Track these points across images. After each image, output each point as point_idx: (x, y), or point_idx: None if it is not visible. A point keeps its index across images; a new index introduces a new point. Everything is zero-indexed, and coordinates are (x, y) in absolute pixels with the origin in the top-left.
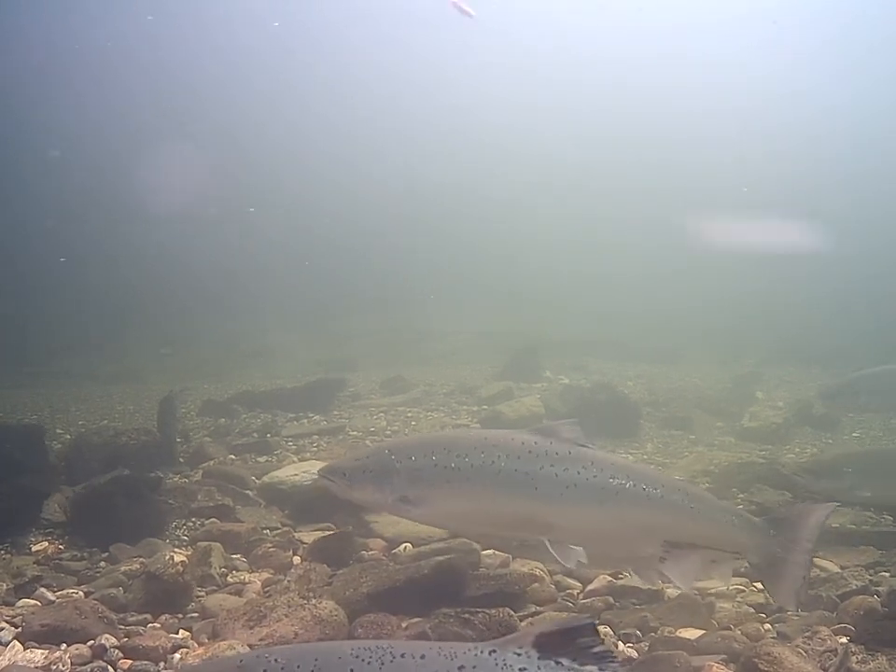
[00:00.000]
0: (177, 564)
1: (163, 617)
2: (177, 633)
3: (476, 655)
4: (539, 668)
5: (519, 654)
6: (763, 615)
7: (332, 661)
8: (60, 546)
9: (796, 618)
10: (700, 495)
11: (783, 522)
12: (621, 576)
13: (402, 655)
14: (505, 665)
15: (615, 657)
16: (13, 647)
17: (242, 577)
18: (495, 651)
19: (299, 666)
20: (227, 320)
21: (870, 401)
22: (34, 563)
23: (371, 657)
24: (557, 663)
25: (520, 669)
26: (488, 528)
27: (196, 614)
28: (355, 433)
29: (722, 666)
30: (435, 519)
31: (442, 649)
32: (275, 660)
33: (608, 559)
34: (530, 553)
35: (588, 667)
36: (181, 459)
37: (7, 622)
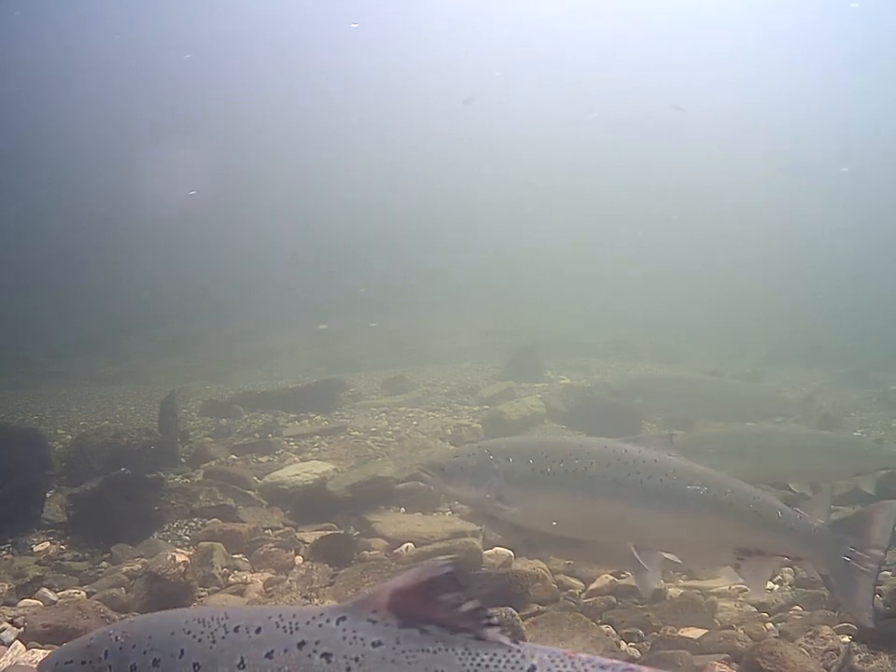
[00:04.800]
0: (179, 564)
1: None
2: None
3: (321, 626)
4: (398, 641)
5: (375, 622)
6: (766, 614)
7: (164, 638)
8: (61, 546)
9: (798, 617)
10: (767, 501)
11: (850, 525)
12: (623, 575)
13: (236, 629)
14: (355, 637)
15: (491, 617)
16: (15, 647)
17: (243, 577)
18: (344, 619)
19: (134, 646)
20: (229, 321)
21: (648, 404)
22: (35, 563)
23: (202, 632)
24: (423, 631)
25: (374, 643)
26: (579, 532)
27: None
28: (356, 433)
29: (725, 666)
30: (528, 519)
31: (283, 618)
32: (117, 638)
33: (693, 563)
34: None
35: (459, 635)
36: (182, 460)
37: (9, 622)
